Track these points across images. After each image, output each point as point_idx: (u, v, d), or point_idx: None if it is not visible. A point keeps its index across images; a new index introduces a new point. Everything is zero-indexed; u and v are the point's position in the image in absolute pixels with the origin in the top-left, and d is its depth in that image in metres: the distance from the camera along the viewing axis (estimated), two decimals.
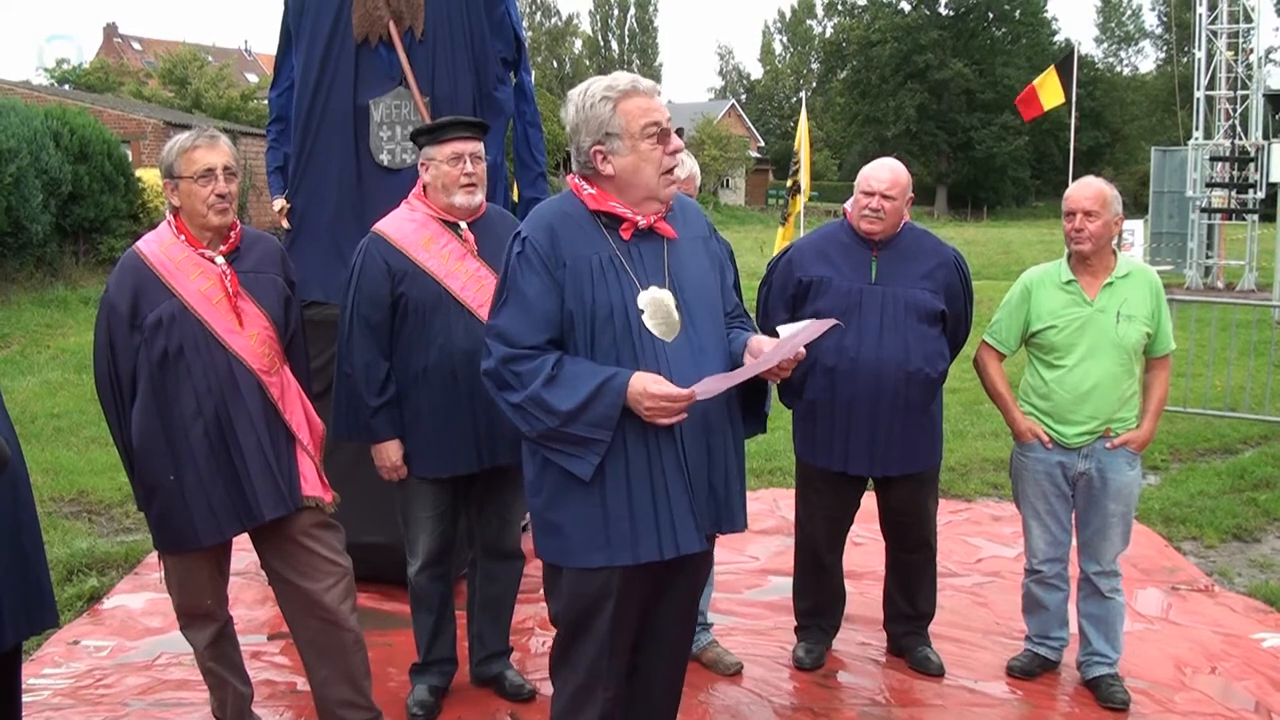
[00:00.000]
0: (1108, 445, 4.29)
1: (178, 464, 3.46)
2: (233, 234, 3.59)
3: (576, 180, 3.11)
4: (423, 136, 4.03)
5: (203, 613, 3.72)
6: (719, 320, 3.19)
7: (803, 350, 3.06)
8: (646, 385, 2.90)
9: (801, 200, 15.92)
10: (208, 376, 3.46)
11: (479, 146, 4.04)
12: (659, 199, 3.06)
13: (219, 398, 3.46)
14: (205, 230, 3.53)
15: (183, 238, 3.53)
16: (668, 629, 3.31)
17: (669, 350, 3.01)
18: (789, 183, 16.37)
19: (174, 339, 3.43)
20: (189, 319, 3.45)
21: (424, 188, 4.05)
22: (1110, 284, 4.29)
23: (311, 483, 3.65)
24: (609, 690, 3.17)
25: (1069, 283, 4.32)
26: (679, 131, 3.09)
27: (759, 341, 3.14)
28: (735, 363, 3.14)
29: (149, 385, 3.44)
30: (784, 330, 3.07)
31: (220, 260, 3.54)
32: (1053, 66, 21.07)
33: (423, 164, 4.02)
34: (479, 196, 4.03)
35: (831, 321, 3.15)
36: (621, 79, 3.01)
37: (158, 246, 3.53)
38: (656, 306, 3.03)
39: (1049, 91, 20.49)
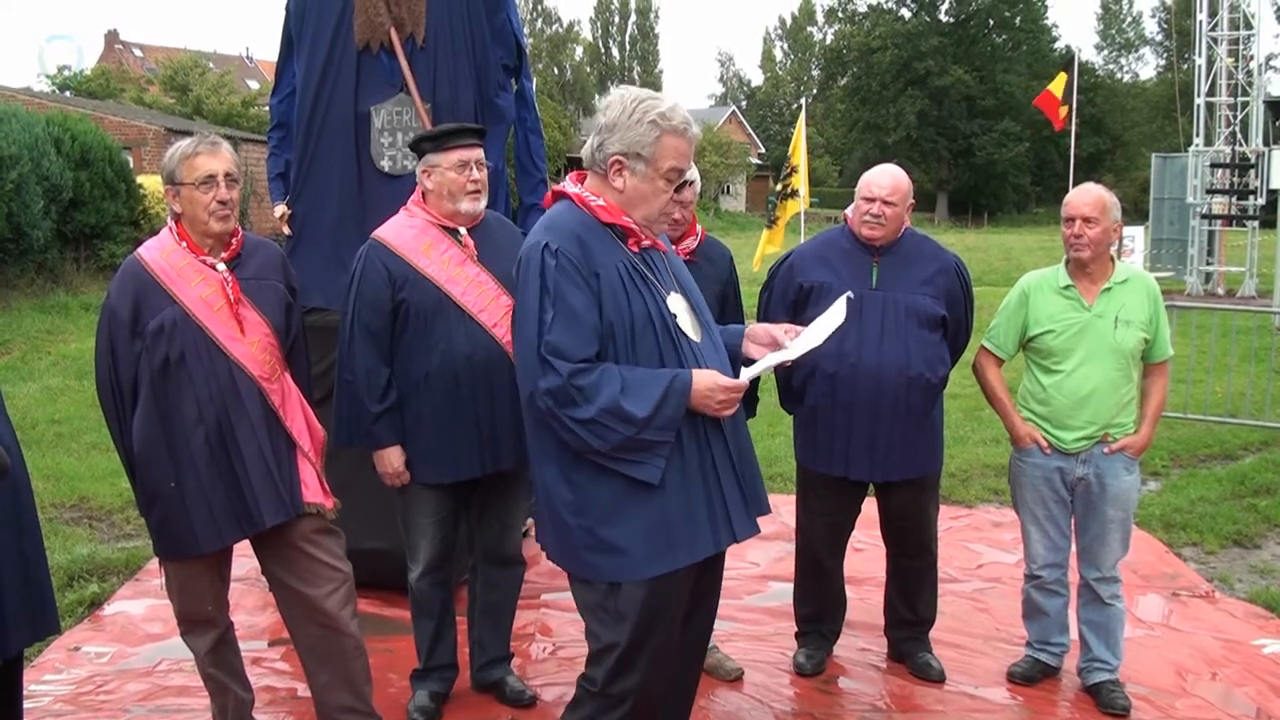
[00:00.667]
0: (1105, 450, 4.29)
1: (179, 471, 3.46)
2: (234, 241, 3.60)
3: (581, 192, 3.08)
4: (427, 143, 4.03)
5: (203, 619, 3.72)
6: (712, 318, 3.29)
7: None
8: (717, 380, 2.97)
9: (800, 205, 15.91)
10: (209, 384, 3.46)
11: (482, 153, 4.05)
12: (650, 231, 3.11)
13: (220, 405, 3.46)
14: (207, 237, 3.53)
15: (184, 244, 3.53)
16: (701, 624, 3.34)
17: (700, 349, 3.09)
18: (779, 186, 16.38)
19: (175, 346, 3.43)
20: (190, 326, 3.45)
21: (423, 194, 4.06)
22: (1108, 289, 4.30)
23: (313, 489, 3.65)
24: (664, 701, 3.20)
25: (1067, 288, 4.33)
26: (689, 183, 3.13)
27: (756, 327, 3.29)
28: (733, 354, 3.23)
29: (150, 392, 3.44)
30: (822, 319, 3.22)
31: (221, 267, 3.54)
32: (1063, 71, 21.16)
33: (424, 170, 4.02)
34: (483, 203, 4.04)
35: (844, 297, 3.29)
36: (678, 114, 2.99)
37: (159, 253, 3.53)
38: (683, 309, 3.10)
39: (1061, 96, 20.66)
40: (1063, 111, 20.71)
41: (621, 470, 2.96)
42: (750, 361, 3.21)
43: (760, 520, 3.18)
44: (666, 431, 2.94)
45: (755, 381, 3.37)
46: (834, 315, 3.23)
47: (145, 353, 3.44)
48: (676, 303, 3.08)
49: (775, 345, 3.22)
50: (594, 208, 3.05)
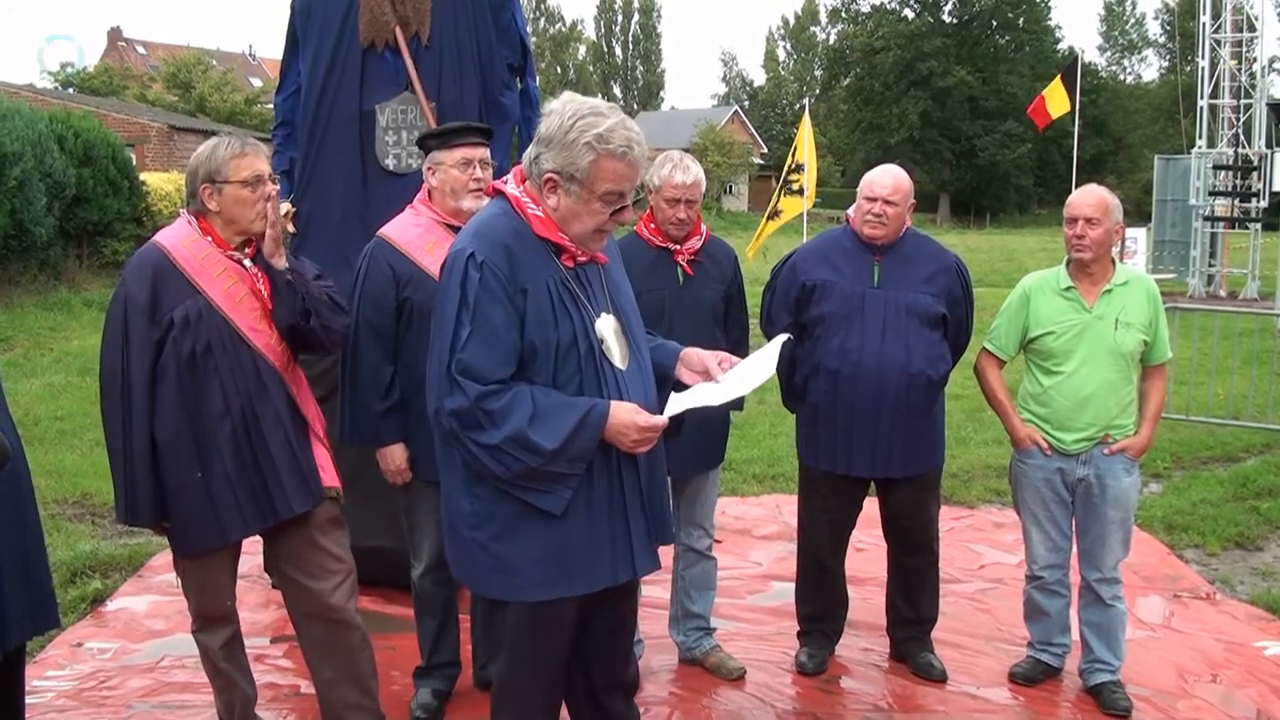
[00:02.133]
0: (1106, 451, 4.30)
1: (207, 462, 3.46)
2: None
3: (520, 196, 2.93)
4: (432, 140, 4.04)
5: (223, 614, 3.73)
6: (645, 340, 3.16)
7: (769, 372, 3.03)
8: (634, 418, 2.83)
9: (805, 205, 15.88)
10: (235, 375, 3.47)
11: (487, 152, 4.06)
12: (583, 250, 2.95)
13: (245, 396, 3.48)
14: (240, 234, 3.53)
15: (209, 239, 3.53)
16: (613, 644, 3.23)
17: (625, 377, 2.95)
18: (787, 179, 16.21)
19: (201, 338, 3.43)
20: (215, 317, 3.45)
21: (429, 192, 4.06)
22: (1109, 291, 4.31)
23: (329, 473, 3.69)
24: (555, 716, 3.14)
25: (1068, 289, 4.34)
26: (638, 203, 2.98)
27: (690, 352, 3.12)
28: (662, 373, 3.10)
29: (176, 384, 3.43)
30: (750, 358, 3.07)
31: (249, 264, 3.55)
32: (1059, 76, 21.13)
33: (429, 168, 4.03)
34: (485, 201, 4.04)
35: (780, 339, 3.14)
36: (617, 137, 2.79)
37: (180, 243, 3.51)
38: (611, 334, 2.95)
39: (1056, 100, 20.59)
40: (1057, 111, 20.66)
41: (524, 498, 2.85)
42: (681, 386, 3.09)
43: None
44: (576, 464, 2.82)
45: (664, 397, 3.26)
46: (767, 357, 3.05)
47: (171, 345, 3.42)
48: (606, 325, 2.94)
49: (707, 374, 3.07)
50: (530, 216, 2.90)
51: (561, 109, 2.85)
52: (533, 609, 2.94)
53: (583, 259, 2.96)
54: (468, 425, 2.79)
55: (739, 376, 3.03)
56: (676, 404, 2.94)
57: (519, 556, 2.89)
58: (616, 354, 2.95)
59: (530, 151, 2.91)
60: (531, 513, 2.87)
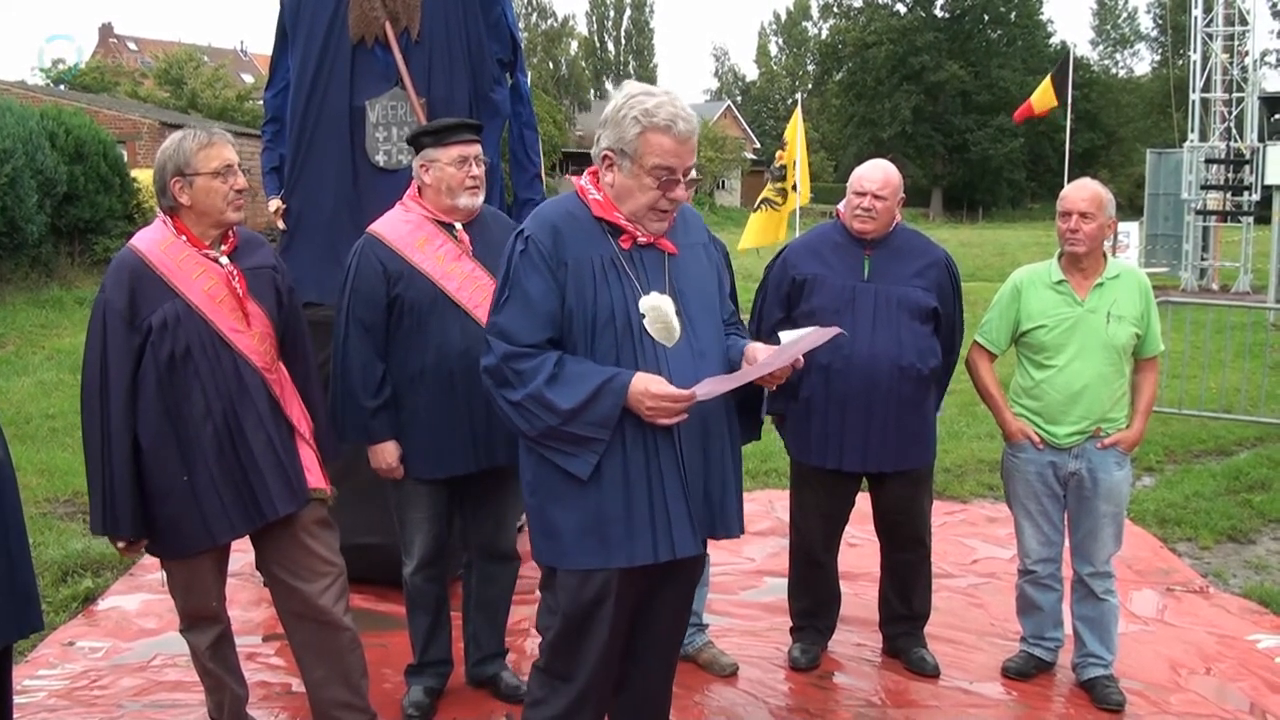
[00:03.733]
0: (1098, 445, 4.30)
1: (191, 465, 3.44)
2: (231, 234, 3.59)
3: (583, 182, 3.11)
4: (426, 138, 4.02)
5: (209, 615, 3.71)
6: (719, 326, 3.20)
7: (800, 359, 3.07)
8: (648, 385, 2.90)
9: (796, 202, 15.77)
10: (215, 377, 3.44)
11: (481, 149, 4.05)
12: (643, 231, 3.05)
13: (227, 398, 3.45)
14: (214, 228, 3.51)
15: (184, 238, 3.51)
16: (660, 633, 3.30)
17: (669, 355, 3.02)
18: (779, 174, 15.95)
19: (180, 340, 3.41)
20: (195, 319, 3.43)
21: (419, 189, 4.05)
22: (1100, 284, 4.31)
23: (315, 475, 3.66)
24: (599, 697, 3.17)
25: (1059, 283, 4.34)
26: (692, 182, 3.05)
27: (754, 348, 3.16)
28: (733, 369, 3.14)
29: (157, 388, 3.41)
30: (785, 336, 3.07)
31: (225, 261, 3.52)
32: (1048, 78, 21.12)
33: (422, 165, 4.01)
34: (481, 198, 4.04)
35: (834, 330, 3.16)
36: (663, 111, 2.94)
37: (156, 246, 3.49)
38: (657, 313, 3.02)
39: (1041, 97, 20.59)
40: (1039, 105, 20.67)
41: (554, 459, 2.99)
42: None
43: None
44: (599, 429, 2.93)
45: (760, 403, 3.32)
46: (806, 342, 3.09)
47: (150, 348, 3.40)
48: (653, 302, 3.01)
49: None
50: (590, 201, 3.07)
51: (620, 92, 3.03)
52: (580, 577, 3.03)
53: (644, 240, 3.06)
54: (499, 383, 3.01)
55: (770, 360, 3.05)
56: (707, 382, 2.98)
57: (562, 523, 3.02)
58: (658, 332, 3.02)
59: (596, 135, 3.08)
60: (569, 481, 2.99)
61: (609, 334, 2.99)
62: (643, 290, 3.03)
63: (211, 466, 3.44)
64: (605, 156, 3.02)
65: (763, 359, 3.05)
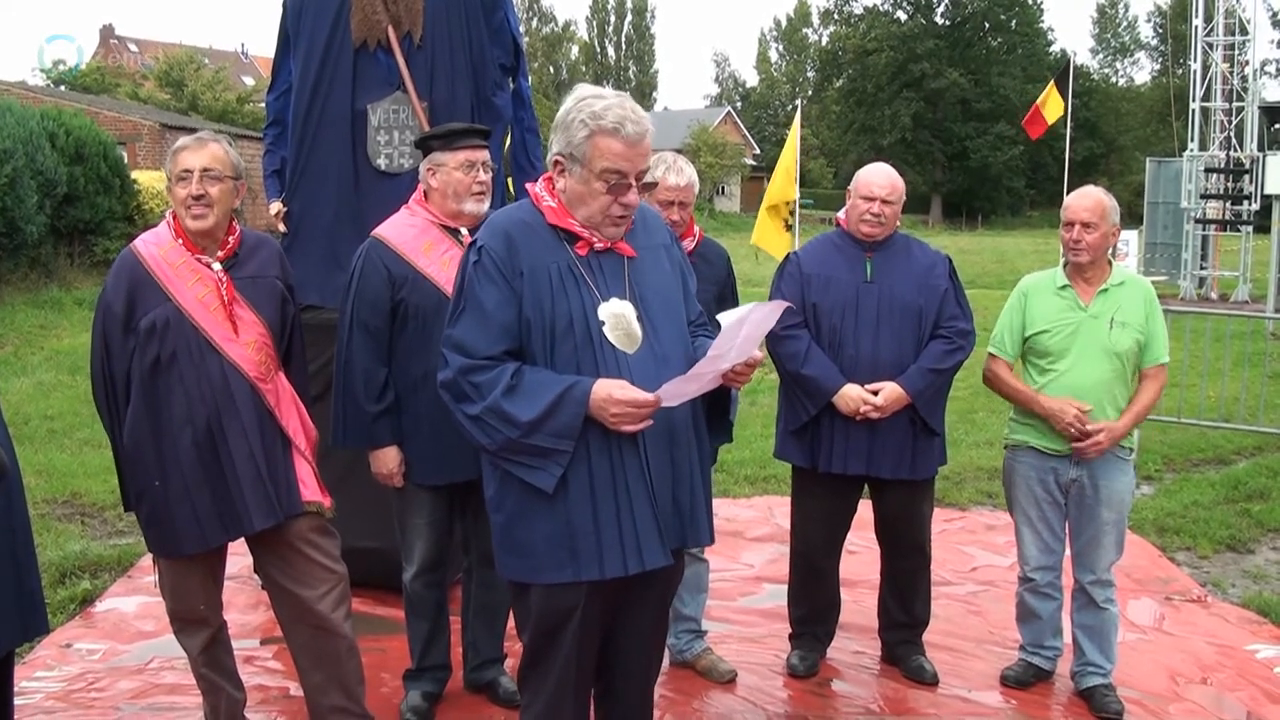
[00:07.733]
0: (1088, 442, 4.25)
1: (164, 470, 3.43)
2: (230, 239, 3.57)
3: (537, 190, 3.05)
4: (434, 141, 4.01)
5: (196, 618, 3.70)
6: (683, 330, 3.14)
7: (757, 354, 3.00)
8: (611, 391, 2.84)
9: (784, 206, 15.55)
10: (200, 384, 3.42)
11: (488, 155, 4.05)
12: (599, 237, 2.99)
13: (211, 406, 3.43)
14: (193, 235, 3.49)
15: (180, 241, 3.51)
16: (639, 640, 3.25)
17: (631, 361, 2.95)
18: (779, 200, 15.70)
19: (167, 345, 3.40)
20: (184, 325, 3.42)
21: (425, 193, 4.04)
22: (1105, 290, 4.31)
23: (311, 488, 3.63)
24: (576, 706, 3.15)
25: (1064, 288, 4.35)
26: (647, 186, 3.00)
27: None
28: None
29: (140, 390, 3.42)
30: (725, 318, 2.93)
31: (216, 267, 3.51)
32: (1052, 82, 21.12)
33: (429, 169, 4.00)
34: (487, 204, 4.03)
35: (781, 304, 3.08)
36: (612, 114, 2.87)
37: (156, 249, 3.50)
38: (617, 320, 2.96)
39: (1051, 106, 20.56)
40: (1052, 116, 20.66)
41: (517, 474, 2.92)
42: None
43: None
44: (561, 440, 2.86)
45: (729, 405, 3.24)
46: (746, 312, 2.93)
47: (137, 350, 3.41)
48: (613, 309, 2.96)
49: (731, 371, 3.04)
50: (544, 208, 3.01)
51: (570, 96, 2.96)
52: (548, 591, 2.99)
53: (600, 247, 3.00)
54: (456, 397, 2.95)
55: (720, 346, 2.91)
56: (670, 384, 2.89)
57: (529, 538, 2.96)
58: (619, 339, 2.96)
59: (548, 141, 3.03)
60: (535, 495, 2.93)
61: (568, 343, 2.92)
62: (602, 297, 2.96)
63: (187, 474, 3.42)
64: (556, 162, 2.96)
65: (710, 348, 2.94)
